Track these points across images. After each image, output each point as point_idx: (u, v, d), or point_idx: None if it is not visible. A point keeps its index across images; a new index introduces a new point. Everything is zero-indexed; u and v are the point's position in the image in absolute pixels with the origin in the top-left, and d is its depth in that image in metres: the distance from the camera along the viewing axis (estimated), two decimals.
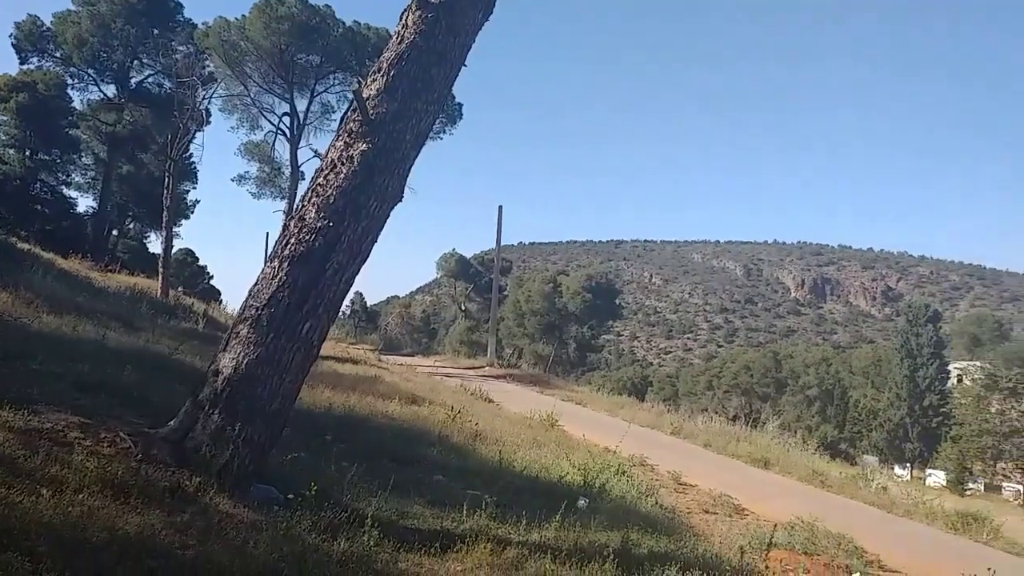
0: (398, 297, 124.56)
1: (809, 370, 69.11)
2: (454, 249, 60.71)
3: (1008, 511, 21.33)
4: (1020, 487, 40.25)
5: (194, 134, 27.75)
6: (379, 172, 5.55)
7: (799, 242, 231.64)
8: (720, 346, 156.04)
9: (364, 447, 7.90)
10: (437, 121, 9.09)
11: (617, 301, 63.49)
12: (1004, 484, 42.93)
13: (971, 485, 40.38)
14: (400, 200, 5.83)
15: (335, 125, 34.10)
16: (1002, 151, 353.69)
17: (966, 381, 64.00)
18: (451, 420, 11.45)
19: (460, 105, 36.16)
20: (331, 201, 5.45)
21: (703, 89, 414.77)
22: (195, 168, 38.95)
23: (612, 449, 11.28)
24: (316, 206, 5.46)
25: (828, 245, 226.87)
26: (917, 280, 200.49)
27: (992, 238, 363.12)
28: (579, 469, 8.93)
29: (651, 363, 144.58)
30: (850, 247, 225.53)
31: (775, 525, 8.16)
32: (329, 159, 5.68)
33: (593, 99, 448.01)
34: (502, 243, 41.54)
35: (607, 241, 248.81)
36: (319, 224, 5.39)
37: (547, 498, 7.11)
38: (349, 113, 5.90)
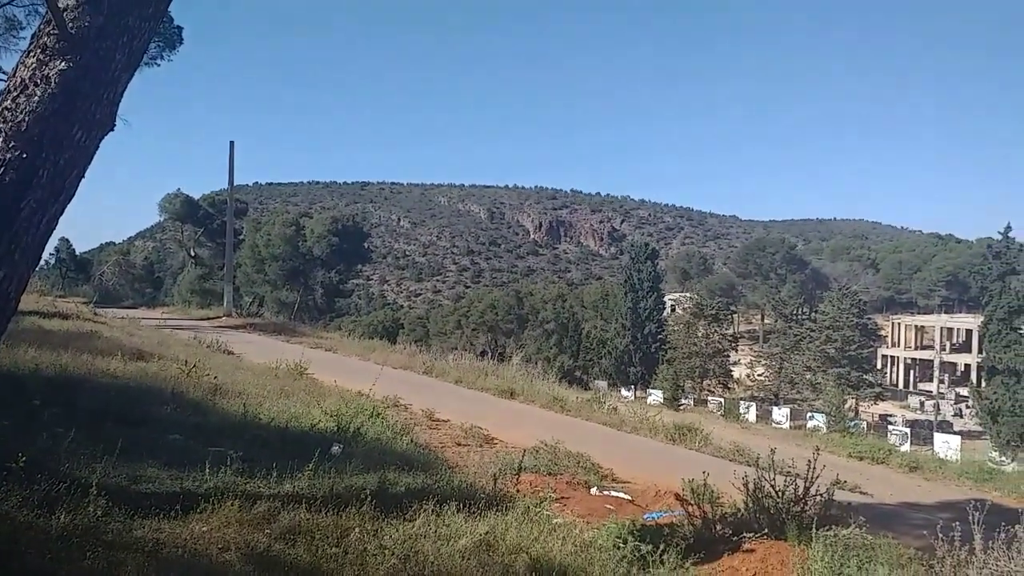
0: (114, 244, 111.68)
1: (547, 306, 74.10)
2: (179, 189, 55.78)
3: (713, 421, 24.85)
4: (721, 400, 47.11)
5: None
6: (83, 96, 4.77)
7: (536, 187, 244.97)
8: (467, 287, 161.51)
9: (83, 410, 7.00)
10: (153, 44, 8.08)
11: (365, 244, 62.72)
12: (709, 398, 49.97)
13: (683, 401, 46.31)
14: (111, 129, 5.08)
15: (25, 44, 29.15)
16: (702, 107, 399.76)
17: (678, 310, 73.08)
18: (186, 375, 10.59)
19: (180, 29, 32.37)
20: (23, 128, 4.59)
21: (446, 35, 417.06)
22: None
23: (365, 393, 11.21)
24: (4, 134, 4.58)
25: (562, 190, 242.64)
26: (638, 222, 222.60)
27: (699, 184, 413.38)
28: (332, 415, 8.73)
29: (402, 306, 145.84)
30: (581, 192, 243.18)
31: (523, 451, 8.68)
32: (19, 79, 4.76)
33: (332, 34, 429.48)
34: (236, 183, 39.07)
35: (352, 183, 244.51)
36: (8, 155, 4.53)
37: (299, 448, 6.87)
38: (42, 26, 4.99)
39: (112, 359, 11.39)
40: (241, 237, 53.20)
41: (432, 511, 5.34)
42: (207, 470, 5.50)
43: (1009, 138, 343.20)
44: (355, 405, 9.85)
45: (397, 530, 4.97)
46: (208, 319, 32.11)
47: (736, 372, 62.56)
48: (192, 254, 57.26)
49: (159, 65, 31.78)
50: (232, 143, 36.71)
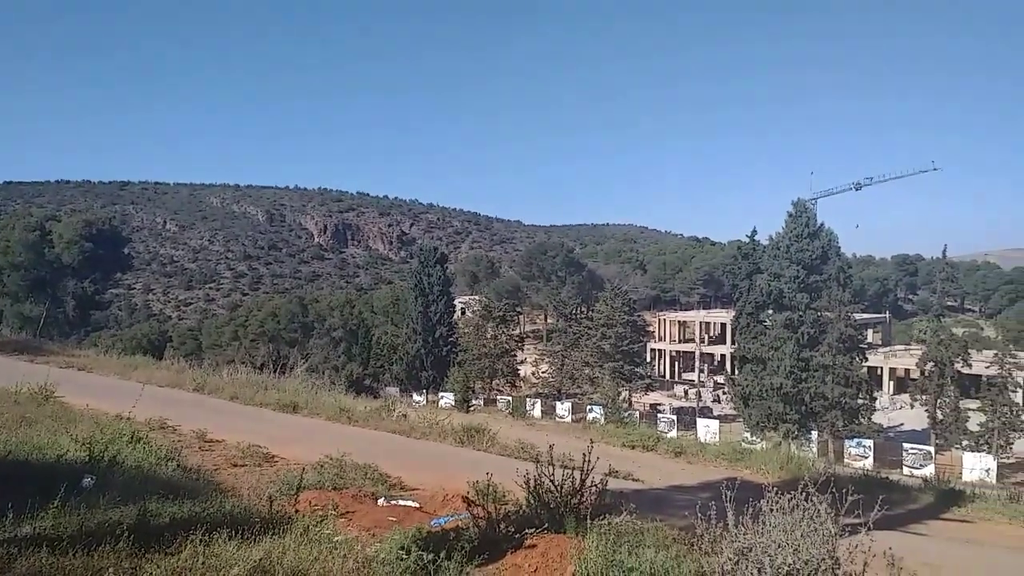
0: None
1: (334, 313, 72.39)
2: None
3: (501, 420, 25.65)
4: (509, 398, 48.76)
5: None
6: None
7: (320, 188, 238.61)
8: (245, 294, 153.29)
9: None
10: None
11: (125, 250, 57.95)
12: (498, 397, 51.53)
13: (474, 402, 47.45)
14: None
15: None
16: (483, 114, 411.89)
17: (468, 313, 74.63)
18: None
19: None
20: None
21: (214, 17, 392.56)
22: None
23: (125, 416, 10.20)
24: None
25: (348, 192, 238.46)
26: (427, 226, 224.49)
27: (484, 191, 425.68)
28: (83, 444, 7.83)
29: (170, 317, 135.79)
30: (368, 194, 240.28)
31: (303, 468, 8.33)
32: None
33: (83, 11, 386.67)
34: None
35: (110, 182, 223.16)
36: None
37: (42, 483, 6.07)
38: None
39: None
40: None
41: (200, 541, 4.95)
42: None
43: (752, 150, 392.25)
44: (112, 430, 8.90)
45: (159, 566, 4.55)
46: None
47: (523, 370, 65.04)
48: None
49: None
50: None
